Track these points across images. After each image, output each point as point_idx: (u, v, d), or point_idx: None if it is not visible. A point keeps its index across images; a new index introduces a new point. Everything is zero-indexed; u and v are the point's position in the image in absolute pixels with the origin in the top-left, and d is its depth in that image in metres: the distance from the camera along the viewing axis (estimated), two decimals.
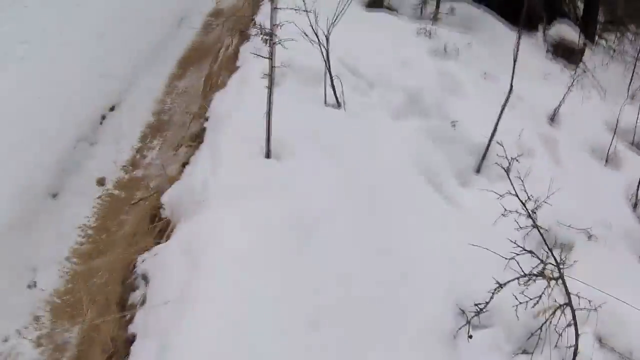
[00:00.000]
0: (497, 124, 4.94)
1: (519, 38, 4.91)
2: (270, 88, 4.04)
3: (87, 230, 5.03)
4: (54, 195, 5.47)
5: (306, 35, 4.83)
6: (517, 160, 3.79)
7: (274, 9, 3.88)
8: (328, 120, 4.82)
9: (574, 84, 6.21)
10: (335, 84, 5.21)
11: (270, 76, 4.03)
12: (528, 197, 3.28)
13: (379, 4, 8.01)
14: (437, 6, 7.66)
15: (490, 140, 4.98)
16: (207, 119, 5.13)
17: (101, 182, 5.82)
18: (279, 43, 3.91)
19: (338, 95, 5.15)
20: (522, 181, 3.32)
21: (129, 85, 7.15)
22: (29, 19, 7.65)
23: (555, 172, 5.12)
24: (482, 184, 4.87)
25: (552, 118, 6.15)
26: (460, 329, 3.29)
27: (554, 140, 5.65)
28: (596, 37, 9.71)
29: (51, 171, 5.71)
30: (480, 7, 8.30)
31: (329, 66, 5.07)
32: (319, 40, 4.97)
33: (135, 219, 4.85)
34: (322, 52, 5.01)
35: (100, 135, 6.47)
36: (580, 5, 9.89)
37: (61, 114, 6.33)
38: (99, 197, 5.57)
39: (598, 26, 9.88)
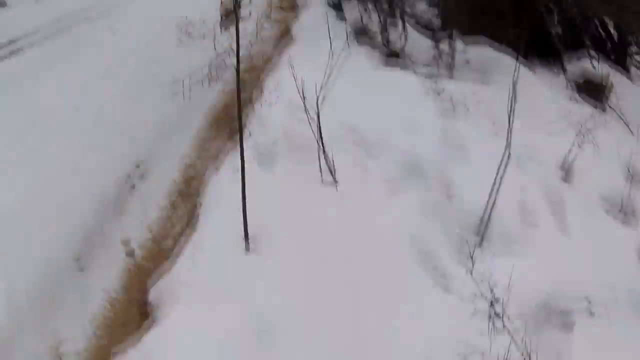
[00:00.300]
0: (496, 191, 4.82)
1: (514, 98, 4.74)
2: (243, 181, 4.05)
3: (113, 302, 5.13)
4: (81, 269, 5.64)
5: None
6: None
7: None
8: (319, 203, 4.84)
9: (589, 129, 5.97)
10: (332, 156, 5.22)
11: (242, 166, 4.04)
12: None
13: (395, 56, 7.97)
14: (453, 57, 7.53)
15: (490, 211, 4.86)
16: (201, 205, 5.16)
17: (126, 243, 5.94)
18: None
19: (332, 171, 5.12)
20: None
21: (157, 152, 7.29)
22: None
23: (559, 239, 4.98)
24: (485, 257, 4.75)
25: (565, 172, 5.94)
26: None
27: (562, 200, 5.44)
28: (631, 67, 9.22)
29: (78, 242, 5.94)
30: (501, 49, 8.11)
31: (323, 144, 5.08)
32: (308, 116, 4.99)
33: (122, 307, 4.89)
34: (313, 129, 5.03)
35: (129, 204, 6.64)
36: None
37: (88, 184, 6.56)
38: (125, 266, 5.67)
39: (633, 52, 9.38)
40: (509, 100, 4.77)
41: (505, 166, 4.78)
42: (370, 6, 9.11)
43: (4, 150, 6.74)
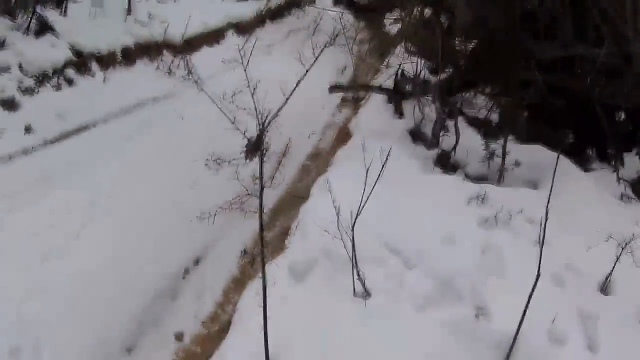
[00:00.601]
0: (524, 314, 4.86)
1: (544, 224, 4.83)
2: (264, 303, 4.29)
3: None
4: (129, 350, 5.98)
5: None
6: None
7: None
8: (346, 317, 4.98)
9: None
10: (367, 269, 5.44)
11: (264, 289, 4.29)
12: None
13: (446, 158, 8.16)
14: (503, 161, 7.66)
15: (517, 333, 4.90)
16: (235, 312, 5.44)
17: (179, 337, 6.25)
18: None
19: (364, 284, 5.33)
20: None
21: (215, 237, 7.52)
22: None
23: (586, 355, 4.97)
24: None
25: (603, 287, 5.85)
26: None
27: (595, 317, 5.39)
28: None
29: (128, 325, 6.30)
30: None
31: (355, 261, 5.29)
32: (340, 230, 5.20)
33: None
34: (347, 247, 5.25)
35: (182, 289, 7.00)
36: None
37: (143, 267, 6.94)
38: (175, 353, 5.98)
39: None
40: (541, 227, 4.81)
41: (535, 286, 4.83)
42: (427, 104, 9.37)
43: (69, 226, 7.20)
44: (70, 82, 10.76)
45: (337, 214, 5.20)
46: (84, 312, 6.14)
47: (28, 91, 9.84)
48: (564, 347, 5.04)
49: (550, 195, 4.95)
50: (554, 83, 8.07)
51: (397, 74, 10.32)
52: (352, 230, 5.20)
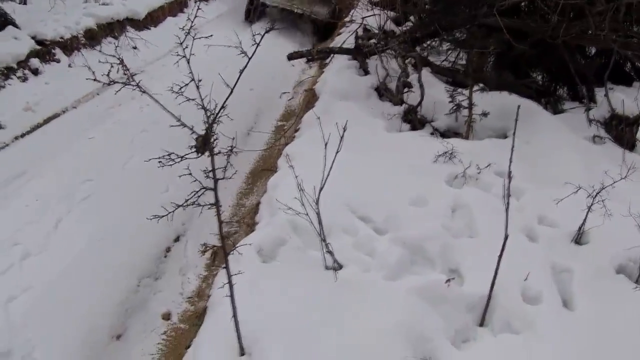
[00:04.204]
0: (495, 276, 4.76)
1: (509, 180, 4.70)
2: (232, 297, 4.18)
3: None
4: (118, 337, 5.87)
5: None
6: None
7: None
8: (316, 294, 4.86)
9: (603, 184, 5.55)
10: (337, 240, 5.33)
11: (227, 264, 4.15)
12: None
13: (412, 113, 7.98)
14: (470, 112, 7.48)
15: (489, 295, 4.82)
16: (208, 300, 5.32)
17: (166, 316, 6.16)
18: None
19: (334, 258, 5.21)
20: None
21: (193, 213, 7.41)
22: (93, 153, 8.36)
23: (562, 318, 4.86)
24: (486, 337, 4.76)
25: (577, 238, 5.73)
26: None
27: (570, 270, 5.30)
28: None
29: (115, 312, 6.19)
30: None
31: (323, 234, 5.16)
32: (303, 205, 5.09)
33: None
34: (312, 220, 5.12)
35: (164, 268, 6.88)
36: None
37: (124, 252, 6.82)
38: (164, 333, 5.90)
39: None
40: (504, 188, 4.67)
41: (503, 248, 4.72)
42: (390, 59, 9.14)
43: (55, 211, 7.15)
44: (35, 72, 10.68)
45: (300, 190, 5.05)
46: (70, 305, 6.02)
47: None
48: (538, 305, 4.93)
49: (512, 147, 4.76)
50: (518, 28, 7.84)
51: (356, 31, 10.06)
52: (317, 203, 5.05)
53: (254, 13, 15.50)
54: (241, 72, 3.71)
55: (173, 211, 3.82)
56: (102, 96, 10.24)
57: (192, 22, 3.49)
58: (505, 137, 7.46)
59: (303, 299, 4.80)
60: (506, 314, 4.85)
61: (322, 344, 4.38)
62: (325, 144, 4.91)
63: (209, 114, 3.71)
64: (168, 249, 7.14)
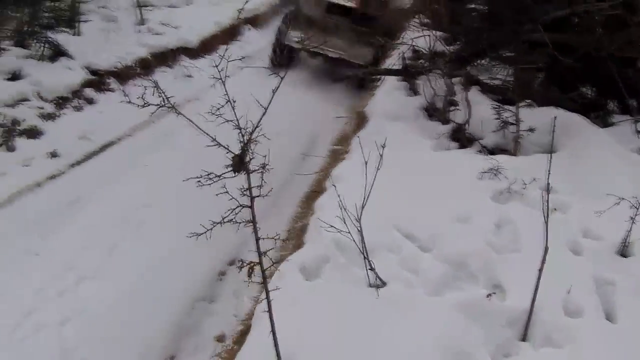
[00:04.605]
0: (536, 289, 4.83)
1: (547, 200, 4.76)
2: (270, 314, 4.36)
3: None
4: (172, 358, 6.19)
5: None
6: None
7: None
8: (357, 310, 5.03)
9: None
10: (381, 258, 5.50)
11: (268, 300, 4.36)
12: None
13: (458, 132, 8.08)
14: (517, 128, 7.53)
15: (531, 309, 4.89)
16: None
17: (220, 338, 6.41)
18: None
19: (379, 276, 5.36)
20: None
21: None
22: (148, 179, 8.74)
23: (605, 330, 4.89)
24: (527, 352, 4.81)
25: (621, 250, 5.71)
26: None
27: (613, 283, 5.30)
28: None
29: (169, 334, 6.51)
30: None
31: (366, 252, 5.32)
32: (346, 224, 5.31)
33: None
34: (356, 240, 5.30)
35: (219, 291, 7.15)
36: None
37: (178, 275, 7.12)
38: (217, 355, 6.11)
39: None
40: (543, 199, 4.76)
41: (544, 260, 4.79)
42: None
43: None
44: (90, 101, 11.07)
45: (342, 208, 5.25)
46: (124, 328, 6.38)
47: (50, 117, 10.16)
48: (580, 318, 4.96)
49: (550, 162, 4.88)
50: (563, 42, 7.86)
51: (403, 53, 10.22)
52: (359, 221, 5.24)
53: (281, 57, 13.32)
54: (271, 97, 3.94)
55: (211, 228, 4.06)
56: (157, 124, 10.55)
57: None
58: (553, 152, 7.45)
59: (343, 315, 4.98)
60: (548, 328, 4.89)
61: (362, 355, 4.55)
62: (366, 163, 5.12)
63: (243, 133, 3.95)
64: (222, 273, 7.41)
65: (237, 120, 3.90)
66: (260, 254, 4.29)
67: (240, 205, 4.14)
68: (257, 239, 4.26)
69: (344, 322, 4.91)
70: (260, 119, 3.99)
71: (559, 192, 6.48)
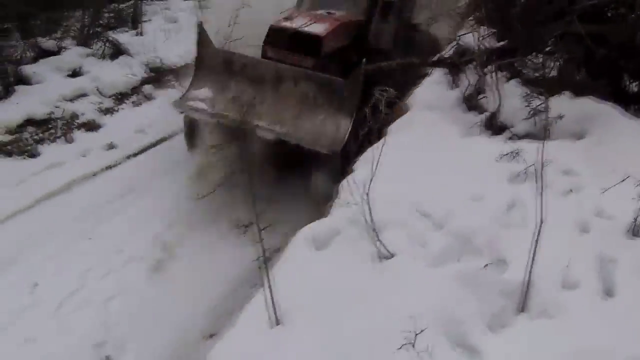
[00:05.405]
0: (532, 260, 4.94)
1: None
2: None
3: None
4: (211, 336, 6.53)
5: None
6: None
7: None
8: (360, 277, 5.29)
9: None
10: (394, 234, 5.73)
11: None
12: None
13: (491, 119, 8.17)
14: (546, 115, 7.56)
15: (528, 281, 5.00)
16: None
17: None
18: None
19: (384, 246, 5.57)
20: None
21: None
22: None
23: (599, 303, 4.97)
24: (522, 322, 4.93)
25: (631, 230, 5.71)
26: None
27: (616, 260, 5.32)
28: None
29: (207, 315, 7.04)
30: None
31: (373, 222, 5.56)
32: (362, 199, 5.60)
33: None
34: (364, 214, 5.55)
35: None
36: None
37: (220, 260, 7.75)
38: None
39: None
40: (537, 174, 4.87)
41: (539, 232, 4.90)
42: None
43: None
44: (148, 97, 11.74)
45: (352, 183, 5.55)
46: (166, 307, 7.02)
47: (108, 111, 10.85)
48: (577, 291, 5.05)
49: (543, 141, 5.01)
50: (597, 32, 7.86)
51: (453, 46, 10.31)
52: (367, 195, 5.49)
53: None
54: None
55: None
56: None
57: None
58: (581, 139, 7.47)
59: (344, 282, 5.26)
60: (544, 300, 4.98)
61: (352, 321, 4.82)
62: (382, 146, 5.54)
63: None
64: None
65: None
66: (257, 214, 4.61)
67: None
68: (254, 199, 4.59)
69: (344, 287, 5.18)
70: None
71: (580, 175, 6.56)
